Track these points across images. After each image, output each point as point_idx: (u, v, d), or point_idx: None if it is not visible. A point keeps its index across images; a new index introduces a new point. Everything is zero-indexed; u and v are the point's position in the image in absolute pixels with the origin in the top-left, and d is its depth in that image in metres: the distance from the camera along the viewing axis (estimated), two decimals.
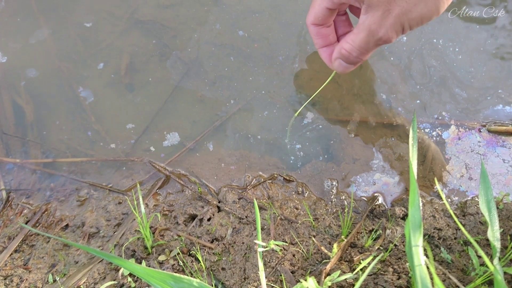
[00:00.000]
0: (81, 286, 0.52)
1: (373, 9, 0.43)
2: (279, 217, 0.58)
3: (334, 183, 0.62)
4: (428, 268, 0.44)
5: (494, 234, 0.45)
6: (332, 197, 0.61)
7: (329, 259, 0.52)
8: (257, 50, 0.71)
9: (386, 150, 0.64)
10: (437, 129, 0.65)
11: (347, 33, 0.54)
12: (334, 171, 0.63)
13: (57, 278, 0.54)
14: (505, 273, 0.49)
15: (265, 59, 0.70)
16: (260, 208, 0.59)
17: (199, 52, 0.71)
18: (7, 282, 0.53)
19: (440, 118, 0.65)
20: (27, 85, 0.68)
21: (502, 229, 0.55)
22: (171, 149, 0.64)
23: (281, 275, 0.51)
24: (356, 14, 0.54)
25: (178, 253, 0.54)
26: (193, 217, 0.60)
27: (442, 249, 0.54)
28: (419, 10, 0.42)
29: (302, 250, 0.54)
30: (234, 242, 0.56)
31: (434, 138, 0.64)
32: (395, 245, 0.55)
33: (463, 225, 0.57)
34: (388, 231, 0.56)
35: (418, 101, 0.66)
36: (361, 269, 0.50)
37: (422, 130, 0.65)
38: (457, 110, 0.66)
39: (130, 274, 0.53)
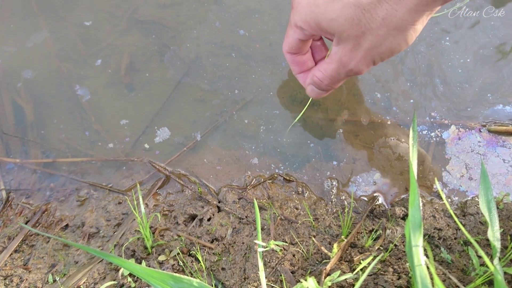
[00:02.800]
0: (81, 286, 0.52)
1: (343, 42, 0.44)
2: (279, 217, 0.58)
3: (334, 183, 0.62)
4: (428, 268, 0.44)
5: (494, 234, 0.45)
6: (332, 197, 0.61)
7: (329, 259, 0.52)
8: (258, 50, 0.71)
9: (386, 150, 0.64)
10: (436, 130, 0.65)
11: (322, 58, 0.55)
12: (334, 171, 0.63)
13: (57, 278, 0.54)
14: (505, 273, 0.49)
15: (265, 59, 0.70)
16: (260, 208, 0.59)
17: (199, 52, 0.71)
18: (7, 282, 0.53)
19: (439, 118, 0.65)
20: (27, 85, 0.68)
21: (502, 229, 0.55)
22: (171, 149, 0.64)
23: (281, 275, 0.51)
24: (330, 40, 0.55)
25: (178, 253, 0.54)
26: (193, 217, 0.60)
27: (442, 249, 0.54)
28: (389, 44, 0.43)
29: (302, 250, 0.54)
30: (234, 242, 0.56)
31: (434, 139, 0.64)
32: (395, 245, 0.55)
33: (463, 225, 0.57)
34: (388, 231, 0.56)
35: (414, 101, 0.66)
36: (361, 269, 0.50)
37: (421, 133, 0.65)
38: (457, 110, 0.66)
39: (130, 274, 0.53)
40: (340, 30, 0.43)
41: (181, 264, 0.54)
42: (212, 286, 0.52)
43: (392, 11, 0.40)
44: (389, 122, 0.65)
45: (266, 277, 0.51)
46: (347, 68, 0.46)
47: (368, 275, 0.51)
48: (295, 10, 0.47)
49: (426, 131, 0.65)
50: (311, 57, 0.55)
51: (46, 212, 0.60)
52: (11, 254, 0.56)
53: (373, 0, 0.40)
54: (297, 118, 0.65)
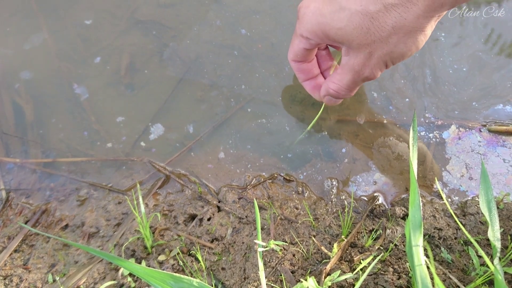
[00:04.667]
0: (81, 286, 0.52)
1: (354, 51, 0.44)
2: (279, 217, 0.58)
3: (334, 182, 0.62)
4: (428, 268, 0.44)
5: (494, 234, 0.45)
6: (332, 196, 0.61)
7: (329, 259, 0.52)
8: (259, 50, 0.71)
9: (386, 150, 0.64)
10: (436, 130, 0.65)
11: (329, 68, 0.56)
12: (334, 170, 0.63)
13: (57, 278, 0.53)
14: (505, 273, 0.49)
15: (265, 59, 0.70)
16: (260, 208, 0.59)
17: (199, 51, 0.71)
18: (7, 282, 0.53)
19: (440, 118, 0.65)
20: (27, 85, 0.68)
21: (502, 229, 0.55)
22: (170, 149, 0.64)
23: (281, 275, 0.51)
24: (336, 48, 0.56)
25: (178, 253, 0.54)
26: (193, 217, 0.60)
27: (442, 249, 0.54)
28: (400, 50, 0.43)
29: (302, 250, 0.54)
30: (234, 242, 0.56)
31: (434, 140, 0.64)
32: (396, 245, 0.55)
33: (464, 225, 0.57)
34: (388, 231, 0.56)
35: (418, 101, 0.66)
36: (361, 269, 0.50)
37: (421, 133, 0.65)
38: (457, 110, 0.66)
39: (130, 274, 0.53)
40: (349, 39, 0.43)
41: (181, 264, 0.54)
42: (212, 286, 0.52)
43: (401, 18, 0.40)
44: (387, 122, 0.65)
45: (266, 277, 0.50)
46: (363, 76, 0.47)
47: (368, 275, 0.51)
48: (300, 20, 0.47)
49: (423, 132, 0.65)
50: (317, 64, 0.55)
51: (46, 212, 0.60)
52: (11, 254, 0.56)
53: (381, 8, 0.40)
54: (308, 128, 0.64)
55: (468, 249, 0.53)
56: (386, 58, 0.44)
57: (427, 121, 0.65)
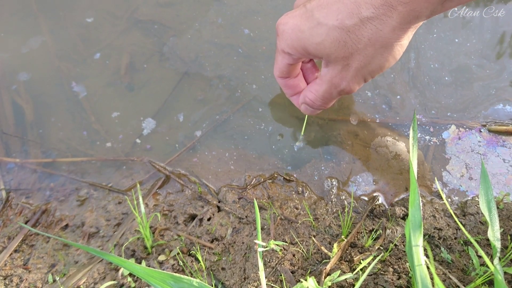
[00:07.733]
0: (81, 286, 0.52)
1: (332, 63, 0.45)
2: (279, 217, 0.58)
3: (334, 182, 0.62)
4: (428, 268, 0.44)
5: (494, 234, 0.45)
6: (332, 196, 0.61)
7: (329, 259, 0.52)
8: (261, 51, 0.71)
9: (385, 150, 0.64)
10: (437, 129, 0.65)
11: (315, 79, 0.56)
12: (334, 170, 0.63)
13: (57, 278, 0.53)
14: (505, 273, 0.49)
15: (266, 59, 0.70)
16: (260, 208, 0.59)
17: (199, 51, 0.71)
18: (7, 282, 0.53)
19: (440, 118, 0.65)
20: (27, 85, 0.68)
21: (502, 229, 0.55)
22: (170, 148, 0.64)
23: (281, 275, 0.51)
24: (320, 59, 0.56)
25: (178, 253, 0.54)
26: (193, 217, 0.60)
27: (442, 249, 0.54)
28: (377, 62, 0.44)
29: (302, 250, 0.54)
30: (234, 242, 0.56)
31: (432, 142, 0.64)
32: (395, 245, 0.55)
33: (464, 225, 0.57)
34: (388, 231, 0.56)
35: (418, 100, 0.66)
36: (361, 269, 0.50)
37: (420, 134, 0.65)
38: (458, 110, 0.66)
39: (130, 274, 0.53)
40: (328, 53, 0.44)
41: (181, 264, 0.54)
42: (212, 286, 0.52)
43: (377, 31, 0.41)
44: (384, 121, 0.65)
45: (266, 277, 0.51)
46: (339, 89, 0.47)
47: (368, 275, 0.51)
48: (280, 37, 0.47)
49: (419, 134, 0.65)
50: (303, 79, 0.56)
51: (46, 212, 0.60)
52: (11, 254, 0.56)
53: (357, 22, 0.41)
54: (301, 134, 0.64)
55: (468, 249, 0.53)
56: (363, 71, 0.45)
57: (440, 118, 0.65)
